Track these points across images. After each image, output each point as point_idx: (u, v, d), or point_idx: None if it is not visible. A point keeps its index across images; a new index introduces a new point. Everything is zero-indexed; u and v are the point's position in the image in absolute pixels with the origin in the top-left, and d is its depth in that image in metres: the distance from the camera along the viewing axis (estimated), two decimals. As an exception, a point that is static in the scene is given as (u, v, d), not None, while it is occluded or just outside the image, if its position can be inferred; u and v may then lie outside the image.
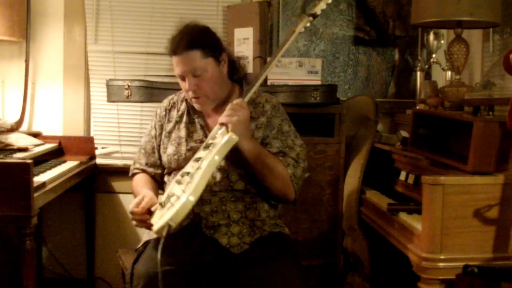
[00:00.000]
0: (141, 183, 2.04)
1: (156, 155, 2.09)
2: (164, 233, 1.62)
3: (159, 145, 2.08)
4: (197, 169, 1.72)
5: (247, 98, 1.87)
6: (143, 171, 2.10)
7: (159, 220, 1.69)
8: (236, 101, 1.82)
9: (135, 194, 2.02)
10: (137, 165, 2.12)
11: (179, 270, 1.76)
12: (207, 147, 1.81)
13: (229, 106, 1.81)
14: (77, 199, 3.03)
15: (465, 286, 2.13)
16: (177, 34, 1.96)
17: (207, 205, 1.91)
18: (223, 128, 1.80)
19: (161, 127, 2.08)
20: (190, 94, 1.93)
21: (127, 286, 1.81)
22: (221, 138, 1.75)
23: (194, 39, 1.91)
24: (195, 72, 1.89)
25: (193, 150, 1.94)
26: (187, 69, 1.89)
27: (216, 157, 1.72)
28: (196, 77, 1.90)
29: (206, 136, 1.97)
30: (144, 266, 1.76)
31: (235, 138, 1.74)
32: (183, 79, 1.92)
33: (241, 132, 1.77)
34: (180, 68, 1.91)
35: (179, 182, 1.78)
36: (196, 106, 1.97)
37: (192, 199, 1.62)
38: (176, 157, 1.99)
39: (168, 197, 1.75)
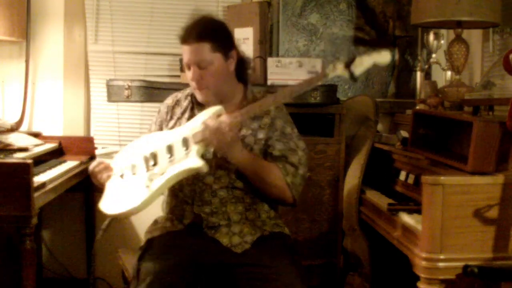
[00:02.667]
0: None
1: None
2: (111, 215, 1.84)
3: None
4: (161, 174, 1.78)
5: (241, 117, 1.80)
6: None
7: (113, 198, 1.84)
8: (226, 121, 1.76)
9: None
10: None
11: (180, 269, 1.77)
12: (185, 142, 1.80)
13: (217, 124, 1.76)
14: (77, 199, 3.03)
15: (465, 286, 2.12)
16: (190, 23, 1.95)
17: (207, 206, 1.91)
18: (202, 133, 1.79)
19: (161, 123, 2.08)
20: (194, 84, 1.94)
21: (133, 282, 1.81)
22: (193, 158, 1.77)
23: (206, 31, 1.91)
24: (200, 64, 1.90)
25: None
26: (194, 60, 1.90)
27: (177, 177, 1.79)
28: (201, 69, 1.91)
29: None
30: (150, 262, 1.77)
31: (203, 168, 1.76)
32: (188, 68, 1.93)
33: (226, 152, 1.81)
34: (187, 57, 1.92)
35: (146, 160, 1.84)
36: (198, 96, 1.97)
37: (143, 206, 1.76)
38: None
39: (131, 168, 1.86)
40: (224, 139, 1.76)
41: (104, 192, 1.94)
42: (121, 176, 1.90)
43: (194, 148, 1.79)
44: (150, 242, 1.91)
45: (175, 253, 1.80)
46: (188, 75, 1.95)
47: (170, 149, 1.82)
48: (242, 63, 2.02)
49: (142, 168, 1.85)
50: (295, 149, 1.95)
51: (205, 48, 1.89)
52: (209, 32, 1.91)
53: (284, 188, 1.89)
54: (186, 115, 2.04)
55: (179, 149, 1.81)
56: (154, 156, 1.84)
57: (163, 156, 1.82)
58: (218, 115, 1.84)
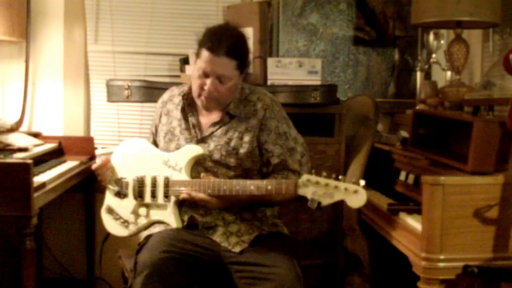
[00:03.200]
0: None
1: (151, 138, 2.15)
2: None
3: (155, 131, 2.13)
4: (145, 216, 1.96)
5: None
6: None
7: (108, 214, 2.03)
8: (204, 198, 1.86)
9: None
10: None
11: (178, 262, 1.78)
12: (166, 183, 1.91)
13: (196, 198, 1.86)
14: (77, 199, 3.03)
15: (465, 286, 2.12)
16: (218, 31, 1.91)
17: (200, 207, 1.92)
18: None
19: (157, 122, 2.11)
20: (204, 92, 1.91)
21: (130, 275, 1.82)
22: (171, 217, 1.92)
23: (237, 48, 1.89)
24: (222, 78, 1.88)
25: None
26: (217, 73, 1.87)
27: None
28: (219, 82, 1.89)
29: (196, 135, 1.98)
30: (148, 254, 1.78)
31: (178, 227, 1.92)
32: (205, 76, 1.89)
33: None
34: (209, 67, 1.87)
35: (135, 185, 1.97)
36: (201, 102, 1.95)
37: (129, 236, 2.01)
38: (164, 149, 2.03)
39: (123, 185, 1.99)
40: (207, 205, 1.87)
41: (104, 199, 2.06)
42: (117, 193, 2.01)
43: (172, 200, 1.91)
44: (148, 237, 1.92)
45: (173, 247, 1.81)
46: (201, 82, 1.90)
47: (153, 183, 1.94)
48: (245, 76, 2.06)
49: (131, 194, 1.98)
50: (293, 147, 1.95)
51: (231, 65, 1.88)
52: (239, 50, 1.90)
53: (293, 198, 1.88)
54: (178, 115, 2.04)
55: (160, 189, 1.93)
56: (141, 184, 1.96)
57: (147, 189, 1.95)
58: (197, 160, 1.94)
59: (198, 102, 1.96)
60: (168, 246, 1.80)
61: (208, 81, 1.88)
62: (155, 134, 2.14)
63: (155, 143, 2.13)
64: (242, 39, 1.94)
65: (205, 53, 1.88)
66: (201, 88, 1.91)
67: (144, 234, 2.00)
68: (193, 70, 1.96)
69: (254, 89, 2.05)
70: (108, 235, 2.11)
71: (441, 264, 1.81)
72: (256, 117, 1.96)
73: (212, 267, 1.87)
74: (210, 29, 1.92)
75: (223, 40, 1.86)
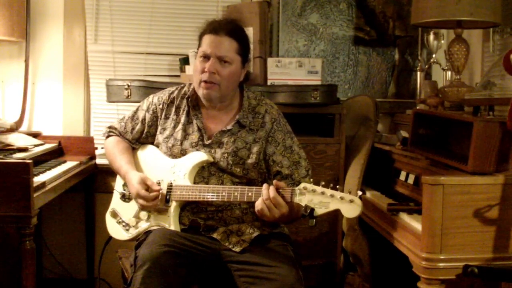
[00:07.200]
0: (119, 149, 2.08)
1: (136, 136, 2.10)
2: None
3: (147, 132, 2.08)
4: (146, 221, 1.96)
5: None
6: (122, 136, 2.13)
7: (112, 217, 2.05)
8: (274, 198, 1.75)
9: (111, 156, 2.09)
10: (116, 131, 2.14)
11: (177, 257, 1.78)
12: (170, 188, 1.92)
13: (267, 202, 1.75)
14: (77, 199, 3.03)
15: (465, 286, 2.12)
16: (218, 19, 1.99)
17: (202, 212, 1.92)
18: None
19: (156, 118, 2.06)
20: (205, 76, 1.90)
21: (130, 270, 1.82)
22: (172, 224, 1.91)
23: (238, 30, 1.95)
24: (223, 58, 1.89)
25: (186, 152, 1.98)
26: (218, 53, 1.89)
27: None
28: (220, 64, 1.89)
29: (202, 139, 1.97)
30: (148, 249, 1.77)
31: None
32: (207, 58, 1.90)
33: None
34: (211, 48, 1.89)
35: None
36: (202, 91, 1.92)
37: (130, 240, 2.01)
38: (169, 155, 2.01)
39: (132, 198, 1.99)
40: (274, 214, 1.79)
41: (111, 202, 2.09)
42: (123, 197, 2.04)
43: (173, 205, 1.91)
44: (147, 233, 1.92)
45: (173, 242, 1.81)
46: (202, 66, 1.91)
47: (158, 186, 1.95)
48: (247, 76, 2.06)
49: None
50: (298, 161, 1.97)
51: (233, 46, 1.91)
52: (240, 33, 1.95)
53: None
54: (183, 119, 2.01)
55: (163, 193, 1.93)
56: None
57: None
58: (202, 166, 1.93)
59: (200, 92, 1.94)
60: (168, 241, 1.80)
61: (209, 63, 1.89)
62: (146, 133, 2.09)
63: (135, 138, 2.12)
64: (241, 26, 2.00)
65: (206, 37, 1.92)
66: (202, 71, 1.90)
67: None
68: (194, 64, 1.96)
69: (261, 99, 2.05)
70: (110, 238, 2.12)
71: (441, 264, 1.81)
72: (264, 129, 1.97)
73: (211, 266, 1.87)
74: (210, 20, 1.98)
75: (223, 23, 1.94)
